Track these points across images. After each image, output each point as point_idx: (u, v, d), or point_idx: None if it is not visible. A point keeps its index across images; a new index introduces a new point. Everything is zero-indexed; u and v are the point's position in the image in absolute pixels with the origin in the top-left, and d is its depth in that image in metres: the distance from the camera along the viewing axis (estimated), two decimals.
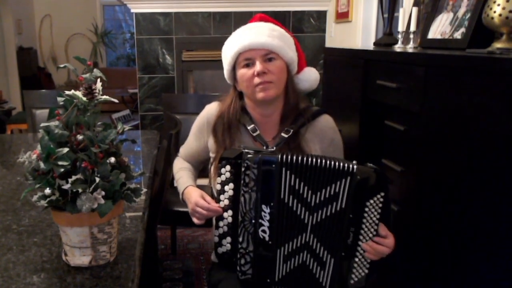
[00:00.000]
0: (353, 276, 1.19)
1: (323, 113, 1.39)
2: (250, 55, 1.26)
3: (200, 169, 1.53)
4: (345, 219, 1.15)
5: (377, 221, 1.15)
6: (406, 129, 1.55)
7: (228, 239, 1.22)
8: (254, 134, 1.33)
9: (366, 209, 1.14)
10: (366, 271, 1.19)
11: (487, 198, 1.11)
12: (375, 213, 1.14)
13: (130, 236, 1.09)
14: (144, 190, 0.99)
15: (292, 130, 1.32)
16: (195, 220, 1.27)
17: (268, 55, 1.26)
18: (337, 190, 1.14)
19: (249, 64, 1.27)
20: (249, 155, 1.16)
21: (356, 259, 1.18)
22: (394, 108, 1.63)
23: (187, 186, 1.35)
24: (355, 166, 1.13)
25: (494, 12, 1.24)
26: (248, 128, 1.33)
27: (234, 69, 1.32)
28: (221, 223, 1.22)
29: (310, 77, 1.41)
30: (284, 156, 1.15)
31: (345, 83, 2.05)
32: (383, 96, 1.67)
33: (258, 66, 1.25)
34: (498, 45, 1.26)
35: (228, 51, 1.31)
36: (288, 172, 1.14)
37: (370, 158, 1.80)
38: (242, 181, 1.17)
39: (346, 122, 1.98)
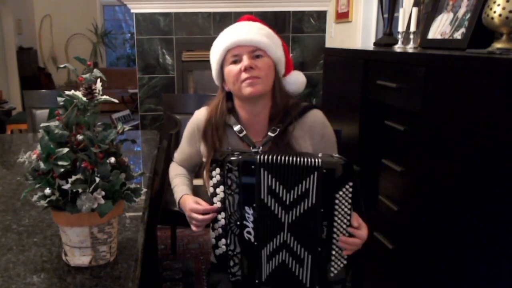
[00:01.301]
0: (332, 269, 1.19)
1: (312, 108, 1.38)
2: (237, 52, 1.26)
3: (196, 171, 1.53)
4: (317, 214, 1.15)
5: (349, 212, 1.15)
6: (406, 129, 1.55)
7: (223, 241, 1.22)
8: (241, 135, 1.32)
9: (337, 201, 1.14)
10: (345, 262, 1.19)
11: (487, 198, 1.11)
12: (346, 203, 1.15)
13: (130, 236, 1.09)
14: (144, 190, 0.99)
15: (278, 129, 1.31)
16: (193, 228, 1.27)
17: (256, 52, 1.26)
18: (307, 186, 1.15)
19: (236, 61, 1.27)
20: (231, 158, 1.17)
21: (333, 252, 1.18)
22: (394, 108, 1.63)
23: (182, 195, 1.35)
24: (319, 160, 1.14)
25: (494, 12, 1.24)
26: (235, 129, 1.33)
27: (222, 68, 1.32)
28: (216, 225, 1.22)
29: (297, 80, 1.39)
30: (263, 157, 1.15)
31: (345, 83, 2.05)
32: (383, 96, 1.67)
33: (245, 61, 1.24)
34: (498, 45, 1.26)
35: (216, 49, 1.31)
36: (266, 172, 1.15)
37: (370, 158, 1.81)
38: (225, 184, 1.18)
39: (346, 122, 1.98)
